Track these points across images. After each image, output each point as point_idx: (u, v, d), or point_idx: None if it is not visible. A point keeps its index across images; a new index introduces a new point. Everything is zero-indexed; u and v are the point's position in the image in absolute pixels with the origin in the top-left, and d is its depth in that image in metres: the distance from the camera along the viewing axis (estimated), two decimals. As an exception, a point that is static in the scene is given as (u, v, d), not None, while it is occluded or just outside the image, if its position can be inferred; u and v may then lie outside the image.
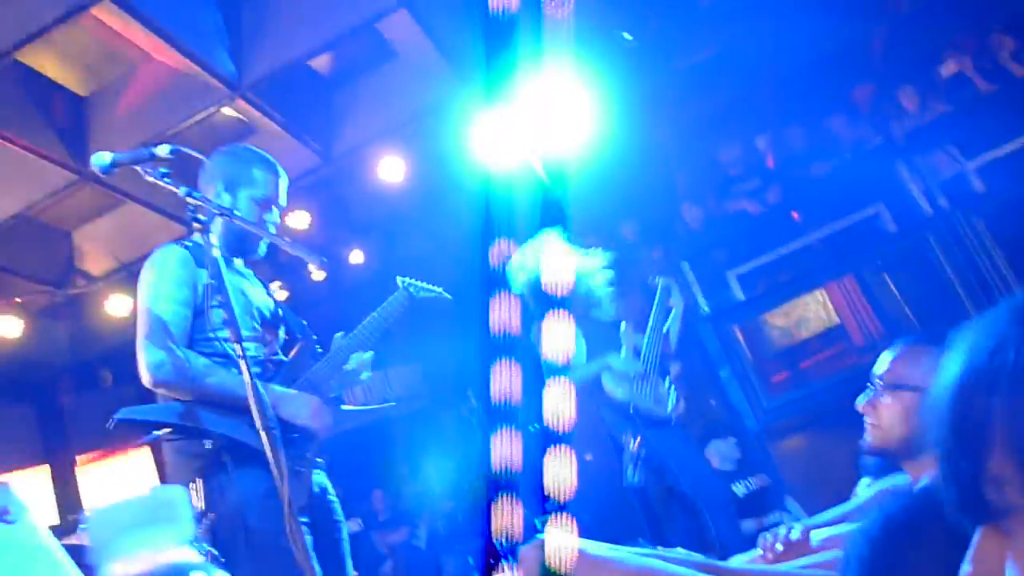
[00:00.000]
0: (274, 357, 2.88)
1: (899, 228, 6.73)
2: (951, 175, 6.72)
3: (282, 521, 2.30)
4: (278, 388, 2.70)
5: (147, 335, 2.61)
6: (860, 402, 2.06)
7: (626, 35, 5.85)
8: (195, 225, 2.59)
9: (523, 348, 4.21)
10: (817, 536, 2.07)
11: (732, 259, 7.24)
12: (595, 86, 5.05)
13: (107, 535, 0.36)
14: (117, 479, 7.92)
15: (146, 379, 2.60)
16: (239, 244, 2.89)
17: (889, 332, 6.43)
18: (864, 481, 2.53)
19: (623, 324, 5.35)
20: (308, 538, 2.58)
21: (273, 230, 2.95)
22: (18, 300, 6.91)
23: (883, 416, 2.01)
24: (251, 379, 2.30)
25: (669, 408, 4.89)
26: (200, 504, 2.58)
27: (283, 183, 3.00)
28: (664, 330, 5.27)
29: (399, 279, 3.20)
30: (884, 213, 6.78)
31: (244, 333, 2.57)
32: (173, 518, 0.38)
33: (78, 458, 8.11)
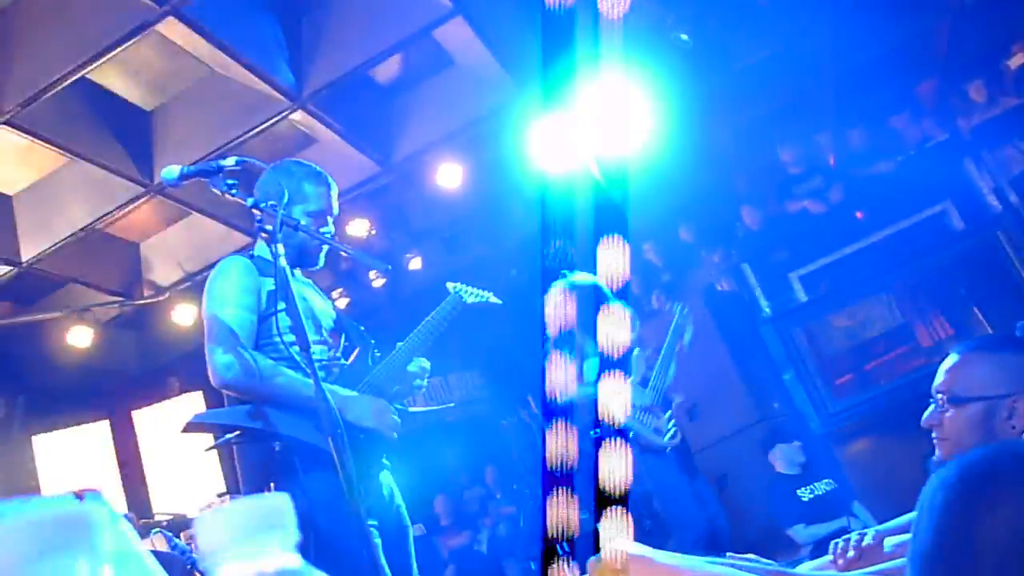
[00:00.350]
0: (337, 362, 2.91)
1: (967, 226, 6.58)
2: (1021, 170, 6.55)
3: (351, 524, 2.33)
4: (342, 391, 2.73)
5: (215, 339, 2.66)
6: (924, 418, 2.02)
7: (683, 36, 5.80)
8: (262, 235, 2.64)
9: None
10: (889, 542, 2.02)
11: (794, 260, 7.14)
12: (653, 88, 5.03)
13: (216, 540, 0.37)
14: (186, 486, 8.09)
15: (215, 380, 2.65)
16: (299, 256, 2.93)
17: (957, 332, 6.29)
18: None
19: (636, 350, 5.40)
20: (377, 540, 2.61)
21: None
22: (88, 310, 7.09)
23: (949, 430, 1.96)
24: (318, 382, 2.33)
25: (666, 439, 5.05)
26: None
27: (334, 193, 3.03)
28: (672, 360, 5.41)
29: (449, 285, 3.22)
30: (951, 211, 6.63)
31: (289, 339, 2.61)
32: (280, 524, 0.39)
33: (147, 465, 8.29)
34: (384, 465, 2.87)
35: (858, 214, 7.05)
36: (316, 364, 2.65)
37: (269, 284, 2.77)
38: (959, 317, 6.22)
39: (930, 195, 6.71)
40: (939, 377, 2.00)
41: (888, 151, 7.11)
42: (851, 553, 2.01)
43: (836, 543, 2.08)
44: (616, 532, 1.33)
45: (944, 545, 0.99)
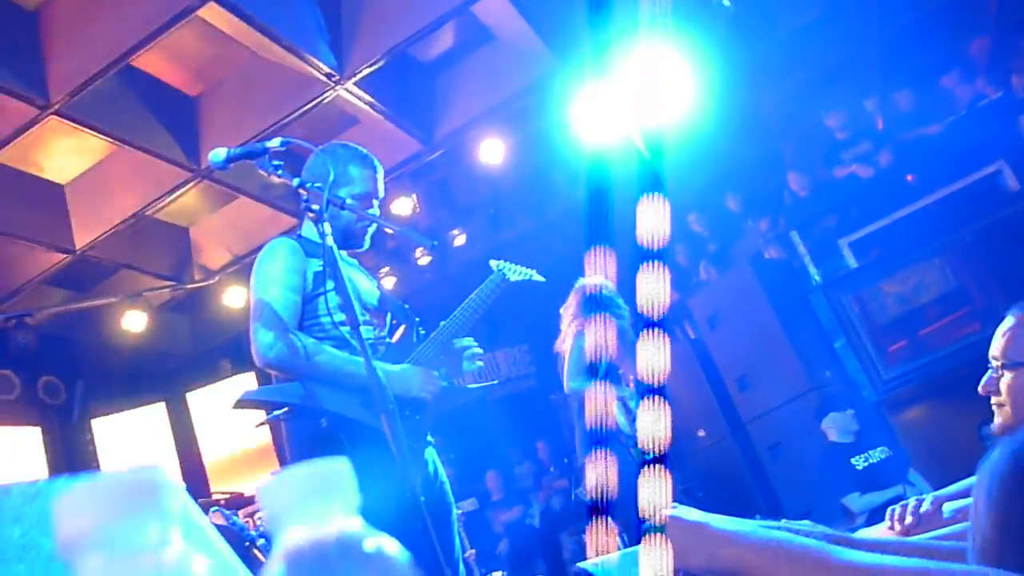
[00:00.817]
0: (383, 341, 2.94)
1: (1022, 186, 6.42)
2: (1078, 127, 6.37)
3: (401, 500, 2.35)
4: (387, 366, 2.75)
5: (259, 319, 2.70)
6: (982, 384, 1.98)
7: (725, 2, 5.72)
8: (309, 215, 2.66)
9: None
10: (949, 508, 1.99)
11: (843, 226, 7.03)
12: (695, 57, 4.97)
13: (281, 505, 0.38)
14: (241, 466, 8.24)
15: (259, 360, 2.69)
16: (344, 237, 2.94)
17: (1013, 295, 6.16)
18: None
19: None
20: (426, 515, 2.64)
21: (374, 224, 3.00)
22: (141, 295, 7.22)
23: (1007, 395, 1.92)
24: (368, 358, 2.36)
25: None
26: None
27: (380, 176, 3.05)
28: None
29: (493, 262, 3.23)
30: (1005, 170, 6.47)
31: (340, 319, 2.64)
32: (341, 488, 0.40)
33: (202, 445, 8.45)
34: (429, 442, 2.89)
35: (908, 177, 6.92)
36: (352, 338, 2.69)
37: (315, 265, 2.80)
38: (1015, 279, 6.08)
39: (983, 156, 6.55)
40: (995, 342, 1.95)
41: (938, 112, 6.95)
42: (909, 519, 1.99)
43: (893, 509, 2.06)
44: (658, 486, 1.32)
45: (1008, 522, 0.97)
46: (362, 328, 2.67)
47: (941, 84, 7.04)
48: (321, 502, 0.45)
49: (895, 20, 6.74)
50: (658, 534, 1.22)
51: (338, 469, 0.47)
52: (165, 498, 0.37)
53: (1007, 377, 1.91)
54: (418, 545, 2.43)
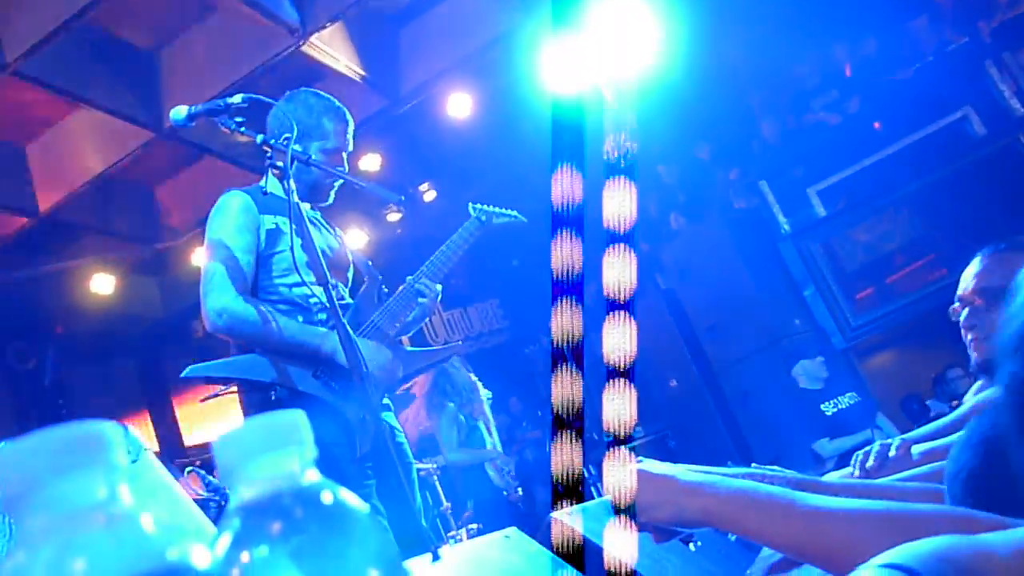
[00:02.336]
0: (342, 301, 2.89)
1: (988, 131, 6.47)
2: (1044, 71, 6.41)
3: (344, 468, 2.35)
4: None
5: (208, 283, 2.67)
6: (963, 319, 1.99)
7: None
8: (273, 172, 2.62)
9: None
10: (917, 450, 2.03)
11: (812, 175, 7.07)
12: (662, 5, 4.92)
13: (234, 459, 0.37)
14: (217, 425, 8.22)
15: (209, 327, 2.67)
16: (310, 192, 2.88)
17: (980, 240, 6.23)
18: (974, 387, 2.45)
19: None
20: (371, 482, 2.67)
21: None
22: (109, 258, 7.13)
23: (983, 329, 1.94)
24: (339, 319, 2.34)
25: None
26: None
27: (351, 130, 2.98)
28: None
29: (471, 206, 3.18)
30: (972, 116, 6.51)
31: (309, 278, 2.59)
32: (298, 440, 0.39)
33: (177, 407, 8.42)
34: (386, 406, 2.88)
35: (876, 124, 6.94)
36: (316, 306, 2.66)
37: (268, 222, 2.74)
38: (983, 223, 6.15)
39: (950, 102, 6.59)
40: (969, 282, 1.97)
41: (906, 58, 6.95)
42: (871, 463, 2.02)
43: (857, 455, 2.09)
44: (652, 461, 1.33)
45: (990, 464, 0.98)
46: (316, 288, 2.63)
47: (908, 30, 7.04)
48: (277, 455, 0.45)
49: (862, -35, 6.71)
50: (625, 486, 1.23)
51: (293, 420, 0.46)
52: (111, 453, 0.36)
53: (981, 311, 1.94)
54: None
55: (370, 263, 3.03)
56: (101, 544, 0.34)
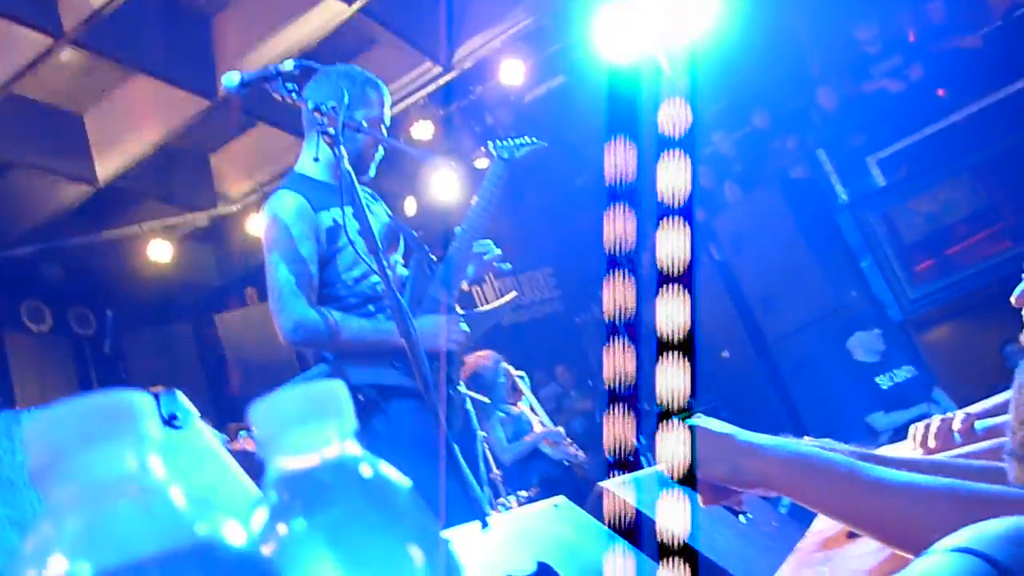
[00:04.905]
0: (399, 277, 2.90)
1: (1057, 99, 6.25)
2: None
3: (434, 441, 2.38)
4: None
5: (277, 300, 2.66)
6: (1016, 295, 1.93)
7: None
8: (325, 138, 2.61)
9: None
10: (980, 425, 1.97)
11: (872, 143, 6.90)
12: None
13: (272, 429, 0.37)
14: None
15: (284, 341, 2.68)
16: (354, 163, 2.85)
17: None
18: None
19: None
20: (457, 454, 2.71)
21: (382, 151, 2.92)
22: (166, 225, 7.24)
23: None
24: (406, 317, 2.34)
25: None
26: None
27: (389, 101, 2.95)
28: None
29: (488, 144, 3.11)
30: (1040, 84, 6.30)
31: (373, 265, 2.57)
32: (336, 411, 0.39)
33: (232, 370, 8.56)
34: (455, 380, 2.90)
35: (940, 92, 6.74)
36: (376, 286, 2.67)
37: (326, 219, 2.73)
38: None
39: (1018, 68, 6.37)
40: None
41: (972, 23, 6.72)
42: (933, 443, 1.97)
43: (916, 426, 2.04)
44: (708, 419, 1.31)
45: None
46: (377, 278, 2.63)
47: (975, -7, 6.81)
48: (315, 426, 0.44)
49: (928, -74, 6.50)
50: (679, 457, 1.21)
51: (332, 390, 0.45)
52: (141, 423, 0.35)
53: None
54: (452, 475, 2.48)
55: (415, 233, 3.02)
56: (129, 516, 0.33)
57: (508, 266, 3.06)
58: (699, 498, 1.24)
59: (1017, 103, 6.36)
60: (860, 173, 6.84)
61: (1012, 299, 1.96)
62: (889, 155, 6.78)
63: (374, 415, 2.67)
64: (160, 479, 0.35)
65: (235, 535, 0.35)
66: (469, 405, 2.99)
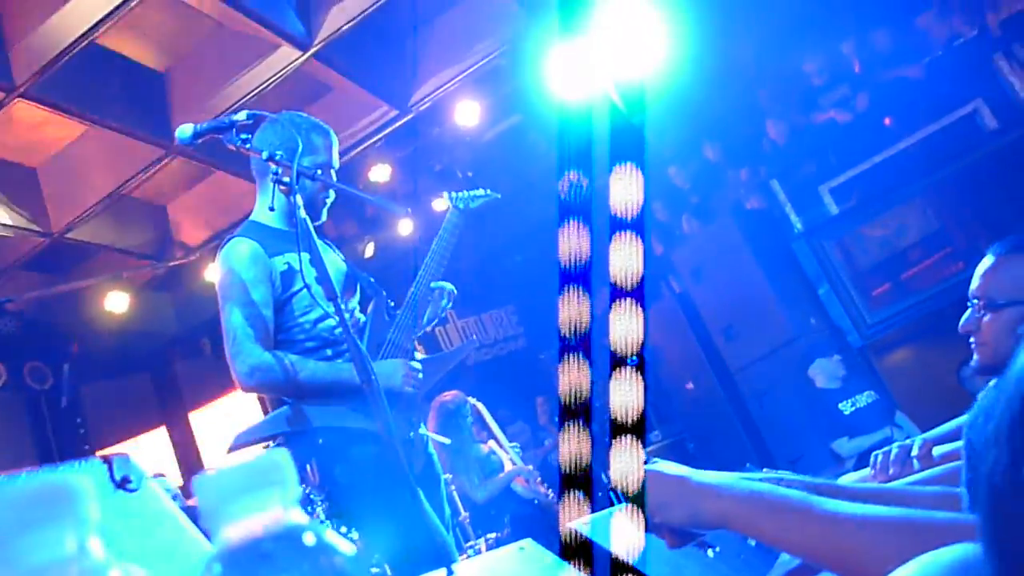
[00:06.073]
0: (357, 324, 2.90)
1: (999, 124, 6.42)
2: (1055, 62, 6.35)
3: (403, 488, 2.37)
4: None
5: (232, 344, 2.66)
6: (962, 323, 1.98)
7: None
8: (280, 187, 2.62)
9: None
10: (938, 452, 2.01)
11: (823, 173, 7.03)
12: (668, 5, 4.91)
13: (216, 501, 0.37)
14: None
15: (241, 387, 2.68)
16: (307, 210, 2.86)
17: (994, 233, 6.17)
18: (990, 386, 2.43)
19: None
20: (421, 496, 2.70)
21: (333, 195, 2.93)
22: (122, 276, 7.16)
23: (987, 334, 1.93)
24: (356, 347, 2.34)
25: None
26: (315, 479, 2.70)
27: (336, 145, 2.97)
28: None
29: (447, 195, 3.19)
30: (983, 109, 6.46)
31: (329, 309, 2.57)
32: (280, 481, 0.39)
33: (192, 420, 8.45)
34: (415, 424, 2.90)
35: (886, 121, 6.90)
36: (337, 339, 2.67)
37: (280, 264, 2.73)
38: (996, 218, 6.10)
39: (960, 95, 6.54)
40: (975, 281, 1.96)
41: (915, 53, 6.91)
42: (891, 471, 2.00)
43: (876, 455, 2.07)
44: (664, 463, 1.32)
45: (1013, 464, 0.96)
46: (333, 321, 2.64)
47: (917, 24, 6.99)
48: (258, 495, 0.44)
49: (869, -41, 6.68)
50: (640, 490, 1.22)
51: (276, 460, 0.45)
52: (80, 505, 0.35)
53: (987, 317, 1.92)
54: (416, 520, 2.47)
55: (372, 279, 3.03)
56: (68, 601, 0.33)
57: (451, 301, 3.08)
58: (665, 541, 1.25)
59: (960, 129, 6.52)
60: (813, 202, 6.96)
61: (960, 327, 2.00)
62: (840, 183, 6.91)
63: (336, 461, 2.66)
64: (99, 561, 0.35)
65: (176, 614, 0.34)
66: (431, 448, 2.98)
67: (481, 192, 3.24)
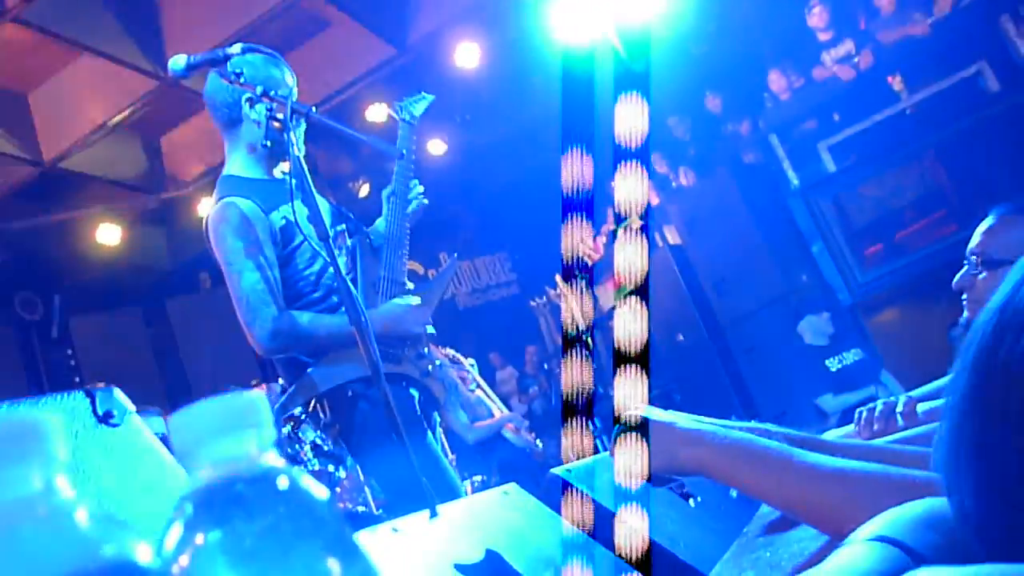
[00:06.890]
0: (350, 275, 2.88)
1: (1002, 87, 6.36)
2: (1061, 26, 6.28)
3: (401, 423, 2.39)
4: (378, 312, 2.74)
5: (247, 311, 2.60)
6: (956, 279, 1.99)
7: None
8: (274, 124, 2.58)
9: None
10: (922, 408, 2.02)
11: (823, 130, 6.98)
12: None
13: (190, 441, 0.36)
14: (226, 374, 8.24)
15: (263, 352, 2.66)
16: (274, 148, 2.75)
17: (991, 197, 6.15)
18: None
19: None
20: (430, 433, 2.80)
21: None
22: (114, 207, 7.12)
23: (980, 292, 1.94)
24: (355, 303, 2.33)
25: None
26: (325, 416, 2.73)
27: (294, 78, 2.83)
28: None
29: (387, 108, 3.14)
30: (986, 71, 6.40)
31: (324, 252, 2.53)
32: (255, 423, 0.38)
33: (184, 355, 8.45)
34: (431, 356, 2.94)
35: (889, 79, 6.83)
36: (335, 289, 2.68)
37: (277, 219, 2.66)
38: (993, 181, 6.08)
39: (964, 56, 6.47)
40: (975, 239, 1.97)
41: (921, 11, 6.82)
42: (876, 426, 2.01)
43: (860, 412, 2.08)
44: (653, 409, 1.33)
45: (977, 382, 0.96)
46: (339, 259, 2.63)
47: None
48: (233, 437, 0.43)
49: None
50: (632, 435, 1.23)
51: (251, 401, 0.45)
52: (48, 443, 0.35)
53: (983, 275, 1.93)
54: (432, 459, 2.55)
55: (352, 215, 3.01)
56: (33, 538, 0.33)
57: (423, 200, 3.04)
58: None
59: (963, 90, 6.46)
60: (811, 159, 6.92)
61: (953, 284, 2.01)
62: (839, 141, 6.87)
63: (370, 401, 2.69)
64: (67, 499, 0.35)
65: (144, 555, 0.34)
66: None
67: (420, 96, 3.16)
